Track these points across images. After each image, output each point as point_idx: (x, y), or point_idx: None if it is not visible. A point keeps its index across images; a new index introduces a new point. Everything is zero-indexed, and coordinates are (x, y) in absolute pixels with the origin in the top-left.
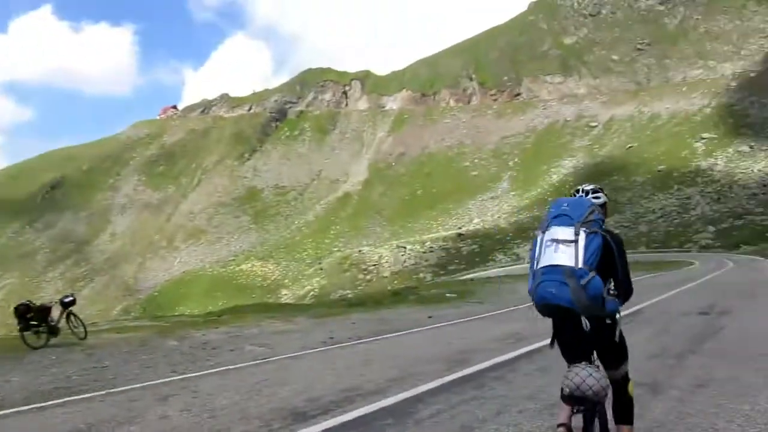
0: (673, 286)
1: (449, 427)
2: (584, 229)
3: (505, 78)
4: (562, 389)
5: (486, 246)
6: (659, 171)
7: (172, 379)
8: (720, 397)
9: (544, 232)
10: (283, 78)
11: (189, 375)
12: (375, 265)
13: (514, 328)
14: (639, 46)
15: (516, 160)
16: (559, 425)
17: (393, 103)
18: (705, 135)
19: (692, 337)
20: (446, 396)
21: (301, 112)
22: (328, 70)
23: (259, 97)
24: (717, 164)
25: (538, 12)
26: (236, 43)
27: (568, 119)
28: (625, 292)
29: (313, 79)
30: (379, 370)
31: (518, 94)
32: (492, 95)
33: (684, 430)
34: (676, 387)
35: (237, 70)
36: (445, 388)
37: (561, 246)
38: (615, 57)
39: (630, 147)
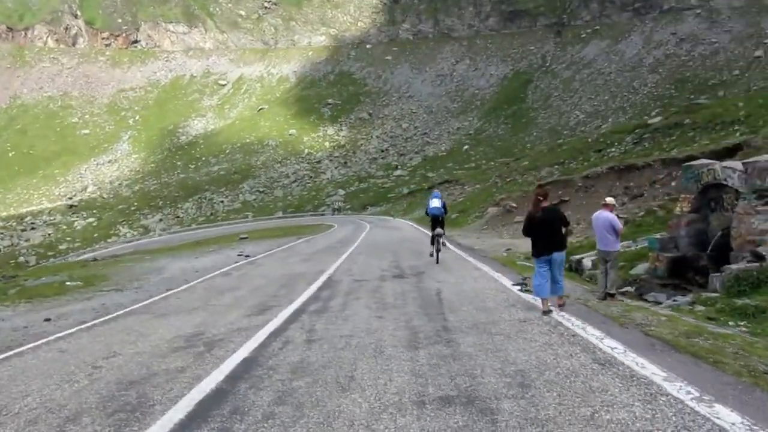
0: (337, 250)
1: None
2: (441, 200)
3: (120, 20)
4: (431, 236)
5: (106, 219)
6: (290, 135)
7: None
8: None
9: (431, 199)
10: None
11: None
12: None
13: (190, 325)
14: (266, 5)
15: (137, 117)
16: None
17: None
18: (330, 101)
19: (423, 309)
20: None
21: None
22: None
23: None
24: (342, 129)
25: None
26: None
27: (195, 75)
28: (447, 213)
29: None
30: None
31: (136, 41)
32: (104, 39)
33: None
34: (504, 410)
35: None
36: None
37: (437, 203)
38: (242, 12)
39: (261, 109)
